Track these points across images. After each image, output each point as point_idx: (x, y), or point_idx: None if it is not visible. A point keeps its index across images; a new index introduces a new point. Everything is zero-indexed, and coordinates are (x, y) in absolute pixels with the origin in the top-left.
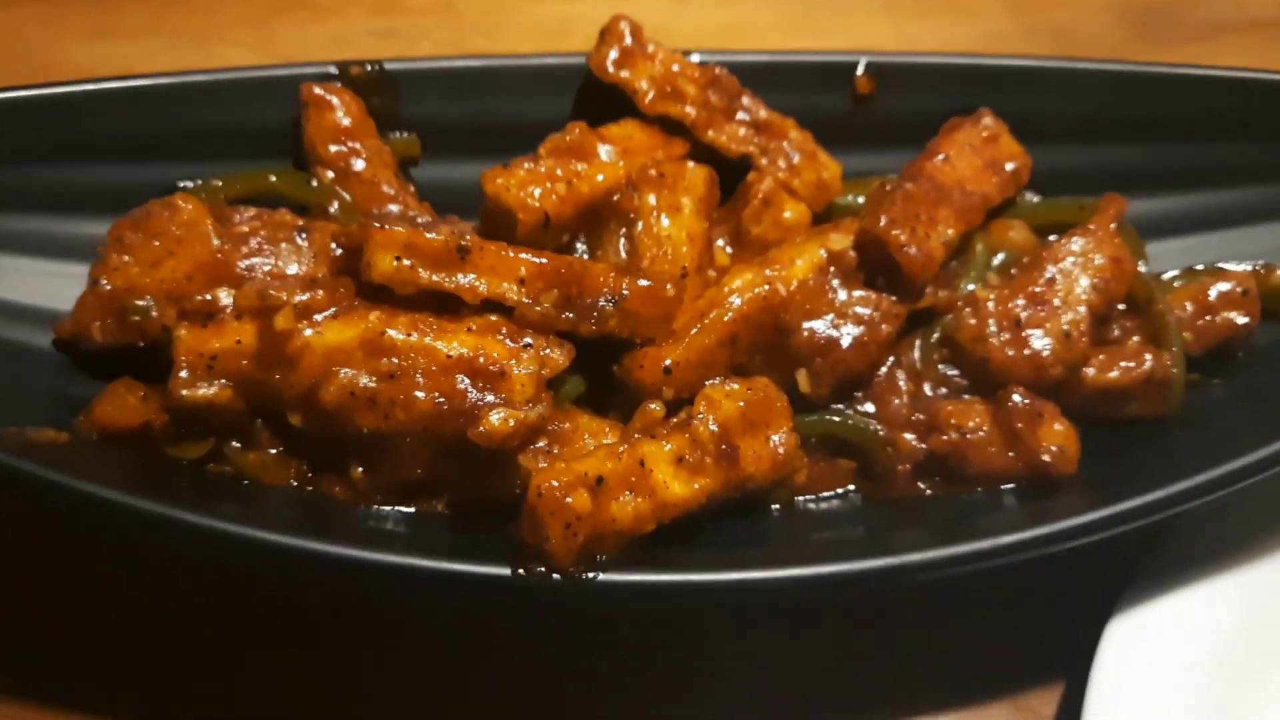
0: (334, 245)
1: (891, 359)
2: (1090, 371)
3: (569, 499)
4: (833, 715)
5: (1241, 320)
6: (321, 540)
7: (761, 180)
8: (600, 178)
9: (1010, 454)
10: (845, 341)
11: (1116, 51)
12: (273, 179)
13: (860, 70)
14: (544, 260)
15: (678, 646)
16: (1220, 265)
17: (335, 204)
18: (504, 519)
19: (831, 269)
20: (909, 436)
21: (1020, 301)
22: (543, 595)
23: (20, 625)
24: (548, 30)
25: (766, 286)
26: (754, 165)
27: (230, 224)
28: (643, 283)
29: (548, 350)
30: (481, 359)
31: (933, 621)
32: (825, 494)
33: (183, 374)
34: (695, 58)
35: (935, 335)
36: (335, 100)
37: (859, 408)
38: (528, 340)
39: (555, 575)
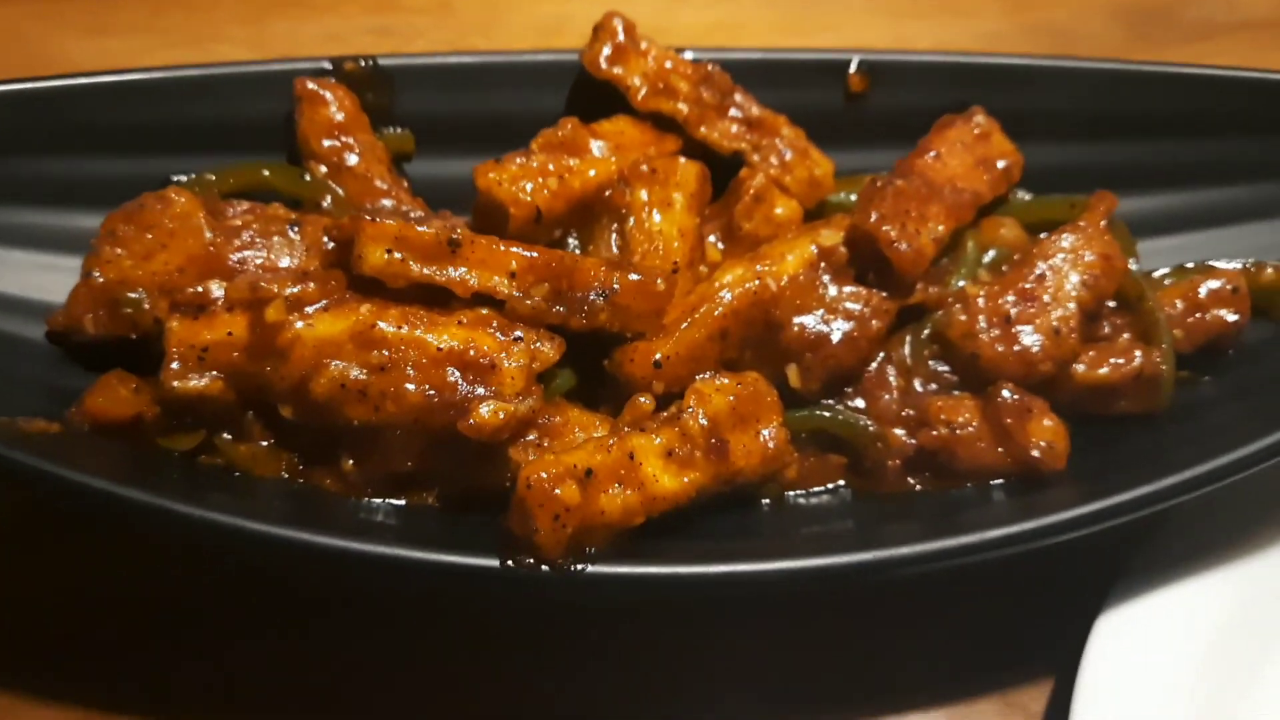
0: (326, 238)
1: (882, 355)
2: (1080, 368)
3: (558, 490)
4: (822, 711)
5: (1231, 318)
6: (312, 531)
7: (753, 177)
8: (592, 173)
9: (999, 449)
10: (835, 337)
11: (1111, 51)
12: (266, 173)
13: (853, 68)
14: (535, 254)
15: (665, 640)
16: (1211, 263)
17: (328, 198)
18: (494, 512)
19: (822, 265)
20: (899, 432)
21: (1010, 298)
22: (531, 586)
23: (11, 612)
24: (543, 28)
25: (757, 282)
26: (746, 162)
27: (223, 217)
28: (633, 277)
29: (538, 344)
30: (472, 352)
31: (922, 617)
32: (815, 489)
33: (174, 365)
34: (688, 55)
35: (925, 331)
36: (329, 95)
37: (849, 403)
38: (518, 334)
39: (544, 567)
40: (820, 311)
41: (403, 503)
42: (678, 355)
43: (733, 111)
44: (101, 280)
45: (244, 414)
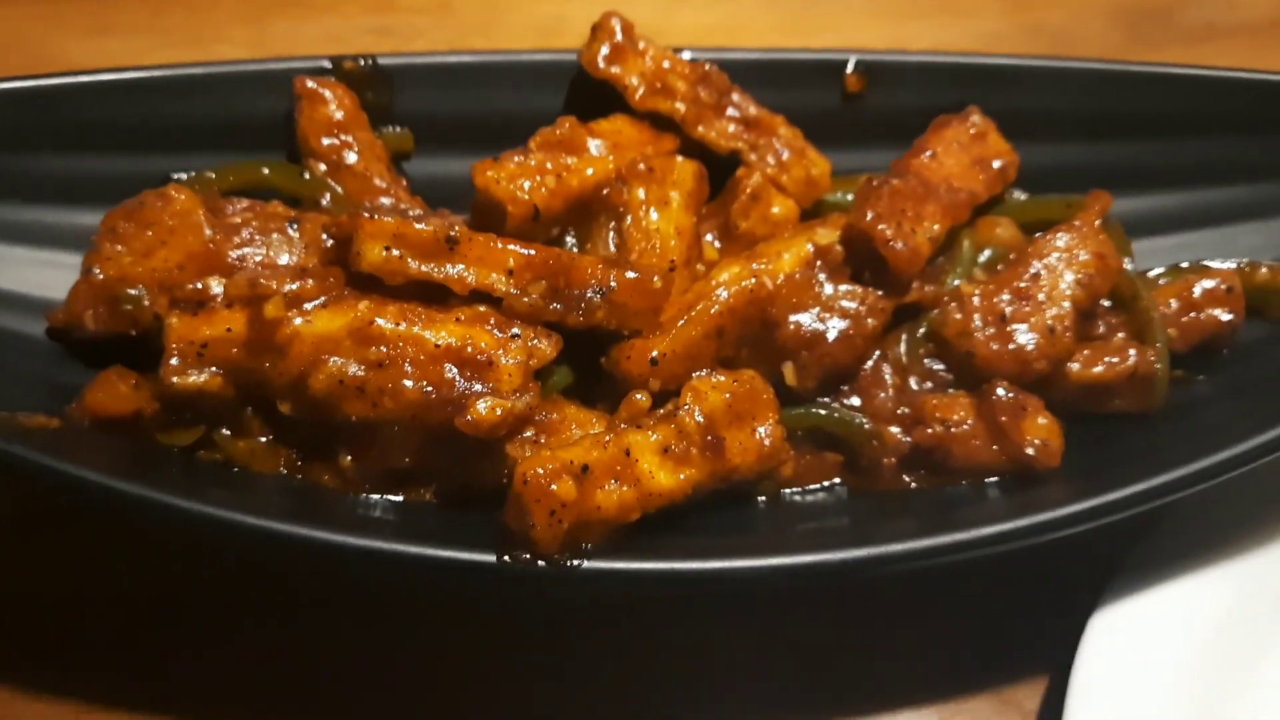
0: (324, 236)
1: (877, 353)
2: (1075, 367)
3: (554, 486)
4: (817, 708)
5: (1226, 317)
6: (310, 526)
7: (750, 176)
8: (590, 172)
9: (994, 447)
10: (831, 335)
11: (1109, 52)
12: (265, 171)
13: (849, 68)
14: (532, 251)
15: (660, 637)
16: (1205, 263)
17: (327, 196)
18: (491, 508)
19: (818, 263)
20: (894, 430)
21: (1005, 297)
22: (527, 582)
23: (10, 606)
24: (542, 29)
25: (753, 280)
26: (743, 161)
27: (223, 215)
28: (630, 274)
29: (535, 341)
30: (469, 349)
31: (917, 615)
32: (811, 486)
33: (174, 361)
34: (686, 55)
35: (921, 330)
36: (328, 94)
37: (845, 401)
38: (515, 331)
39: (540, 562)
40: (816, 310)
41: (400, 499)
42: (674, 353)
43: (730, 111)
44: (102, 277)
45: (243, 410)
